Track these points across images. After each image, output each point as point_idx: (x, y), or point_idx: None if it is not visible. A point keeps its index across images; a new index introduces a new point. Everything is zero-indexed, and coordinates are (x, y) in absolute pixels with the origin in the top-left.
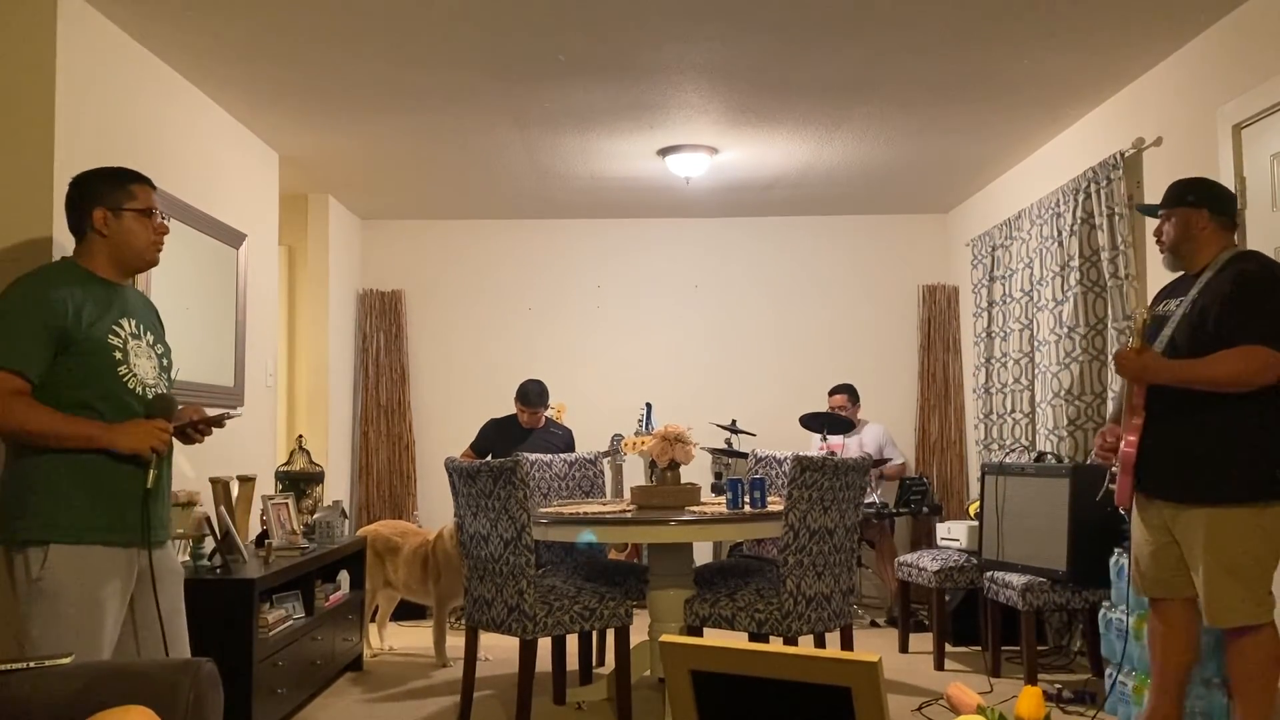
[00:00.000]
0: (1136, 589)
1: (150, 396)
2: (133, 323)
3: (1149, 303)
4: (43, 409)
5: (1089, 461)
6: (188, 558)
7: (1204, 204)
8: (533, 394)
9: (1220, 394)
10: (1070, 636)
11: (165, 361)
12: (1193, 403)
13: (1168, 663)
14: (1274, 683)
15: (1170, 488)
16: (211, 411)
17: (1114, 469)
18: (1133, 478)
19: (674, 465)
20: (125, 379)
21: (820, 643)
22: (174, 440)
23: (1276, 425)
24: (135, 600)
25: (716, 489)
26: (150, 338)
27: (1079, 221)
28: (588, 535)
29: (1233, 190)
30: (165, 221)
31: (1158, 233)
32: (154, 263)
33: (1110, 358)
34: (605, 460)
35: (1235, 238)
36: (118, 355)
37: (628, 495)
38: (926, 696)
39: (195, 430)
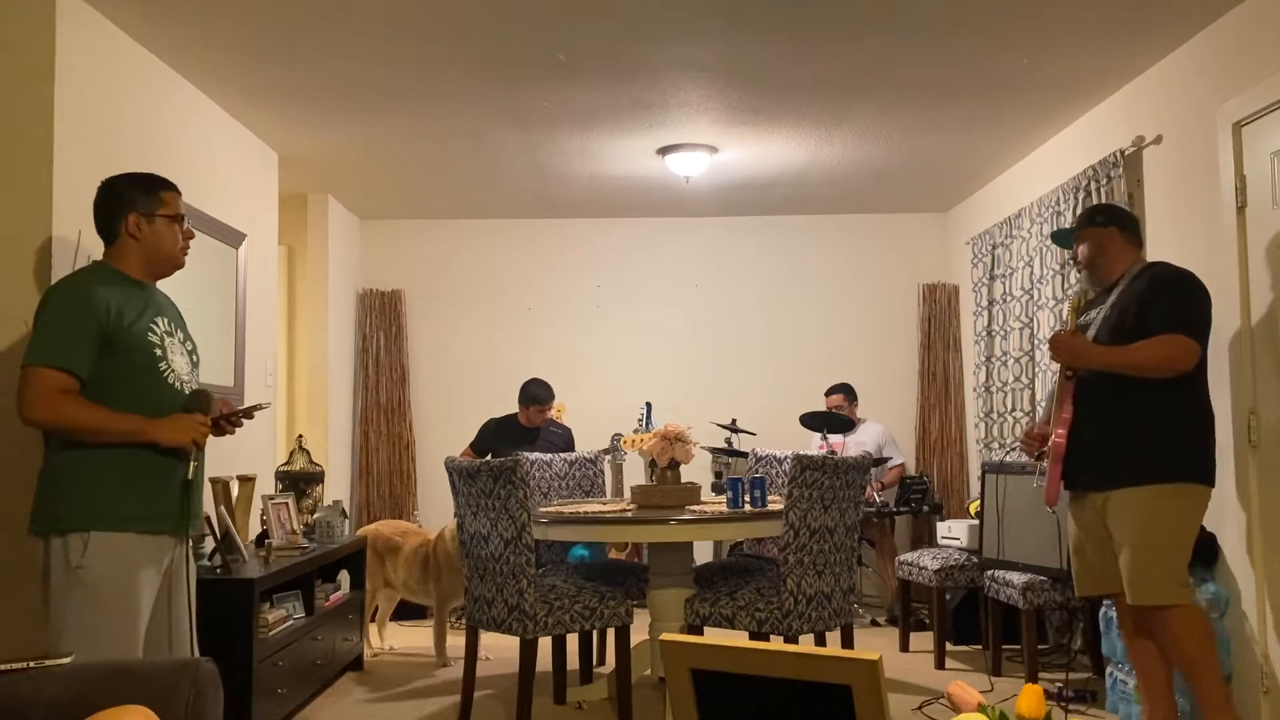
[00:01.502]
0: (1076, 589)
1: (188, 391)
2: (165, 320)
3: (1082, 293)
4: (89, 405)
5: (1012, 455)
6: None
7: (1113, 223)
8: (543, 392)
9: (1143, 382)
10: (1071, 635)
11: (195, 358)
12: (1118, 392)
13: (1146, 665)
14: (1214, 656)
15: (1100, 475)
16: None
17: (1044, 464)
18: (1061, 470)
19: (674, 464)
20: (165, 374)
21: (821, 641)
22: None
23: (1195, 409)
24: (163, 592)
25: (717, 488)
26: (180, 334)
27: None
28: (580, 550)
29: (1234, 186)
30: (190, 226)
31: (1074, 254)
32: (181, 266)
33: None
34: (605, 459)
35: (1167, 243)
36: (157, 352)
37: (628, 494)
38: (927, 695)
39: (227, 423)
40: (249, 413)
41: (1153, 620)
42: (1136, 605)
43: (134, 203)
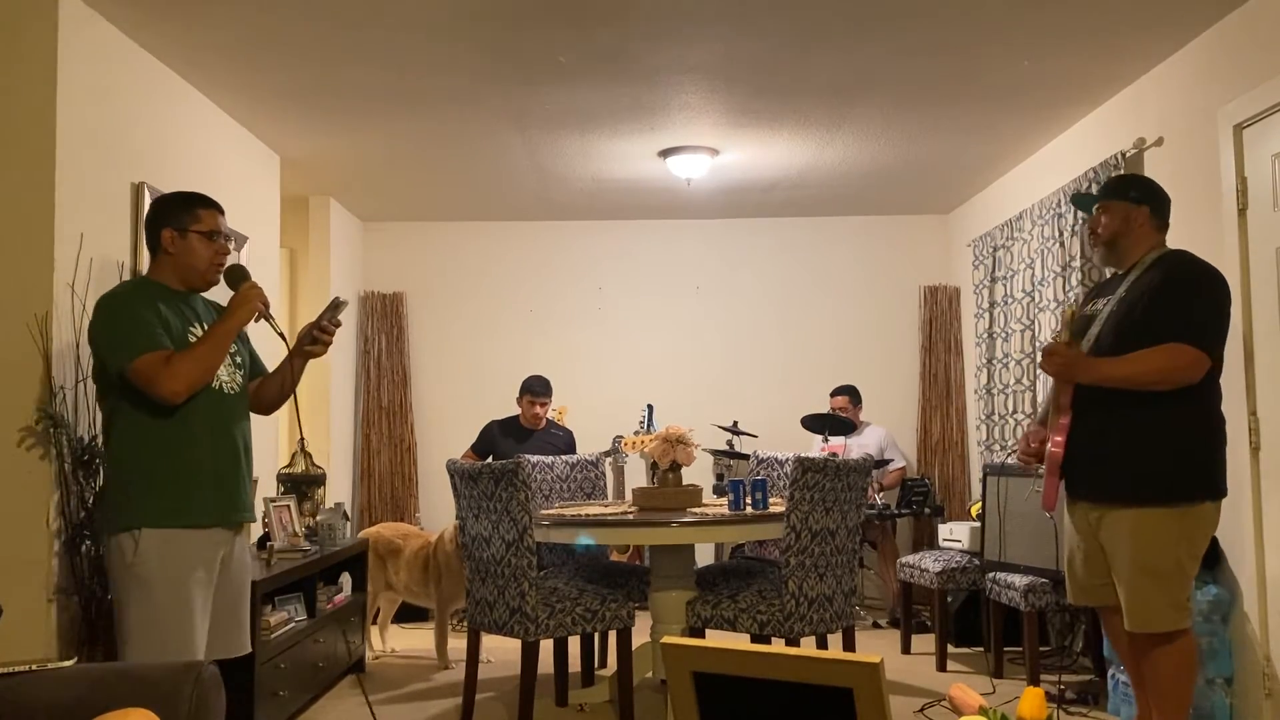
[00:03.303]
0: (1069, 596)
1: (226, 391)
2: (205, 326)
3: (1080, 302)
4: (187, 352)
5: (1013, 458)
6: None
7: (1146, 202)
8: (538, 384)
9: (1145, 393)
10: (1072, 637)
11: (239, 359)
12: (1118, 402)
13: (1140, 672)
14: (1190, 690)
15: (1095, 488)
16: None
17: (1040, 471)
18: (1059, 479)
19: (675, 467)
20: None
21: (822, 644)
22: (280, 386)
23: (1200, 425)
24: (219, 587)
25: (718, 490)
26: None
27: (1080, 222)
28: (585, 539)
29: (1235, 189)
30: (228, 243)
31: (1093, 224)
32: (214, 282)
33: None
34: (606, 462)
35: (1167, 238)
36: None
37: (629, 497)
38: (929, 697)
39: (321, 332)
40: (333, 317)
41: (1140, 638)
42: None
43: (169, 217)
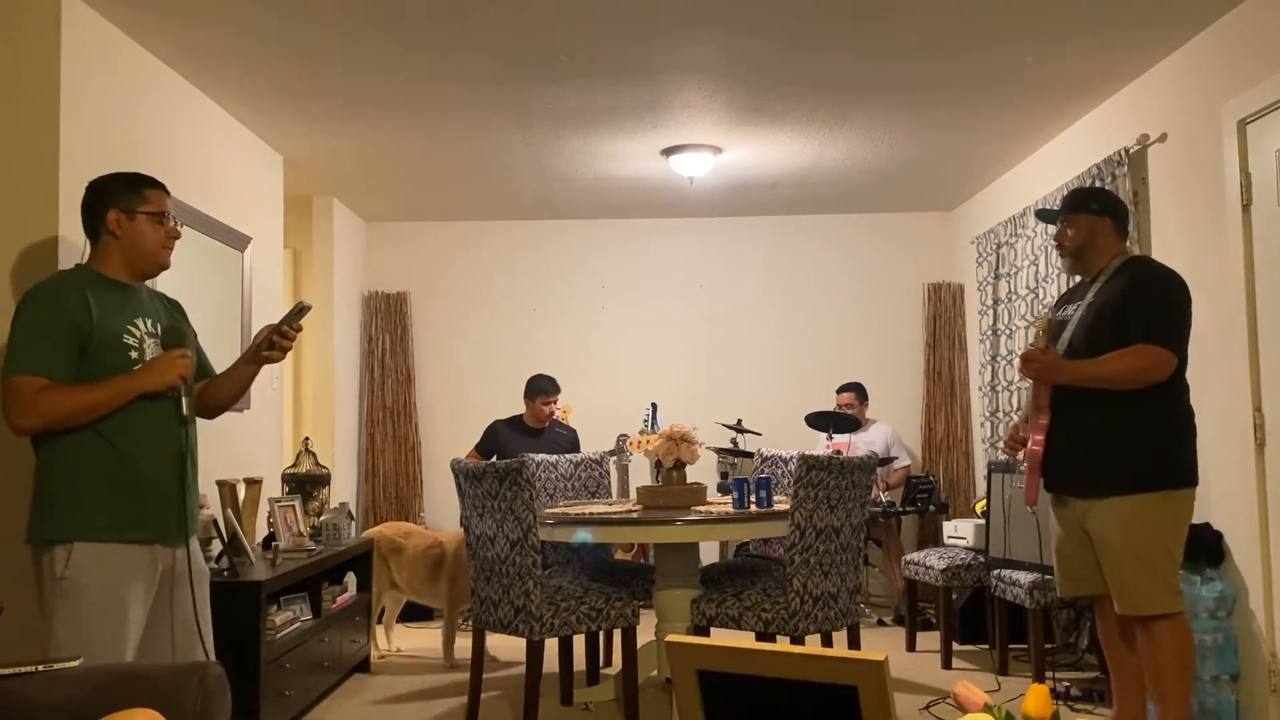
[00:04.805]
0: (1058, 589)
1: (170, 393)
2: (148, 322)
3: (1052, 308)
4: (67, 390)
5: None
6: None
7: (1107, 213)
8: (548, 384)
9: (1119, 391)
10: (1078, 634)
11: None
12: (1095, 400)
13: (1121, 663)
14: (1190, 673)
15: (1080, 482)
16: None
17: (1022, 468)
18: (1040, 476)
19: (679, 465)
20: None
21: (827, 642)
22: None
23: (1174, 416)
24: (162, 600)
25: (722, 488)
26: None
27: None
28: (583, 534)
29: (1239, 184)
30: (177, 226)
31: (1059, 237)
32: (164, 266)
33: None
34: (611, 460)
35: (1170, 237)
36: (134, 355)
37: (633, 495)
38: (934, 695)
39: (281, 336)
40: (295, 321)
41: (1135, 626)
42: (1124, 615)
43: (115, 199)
